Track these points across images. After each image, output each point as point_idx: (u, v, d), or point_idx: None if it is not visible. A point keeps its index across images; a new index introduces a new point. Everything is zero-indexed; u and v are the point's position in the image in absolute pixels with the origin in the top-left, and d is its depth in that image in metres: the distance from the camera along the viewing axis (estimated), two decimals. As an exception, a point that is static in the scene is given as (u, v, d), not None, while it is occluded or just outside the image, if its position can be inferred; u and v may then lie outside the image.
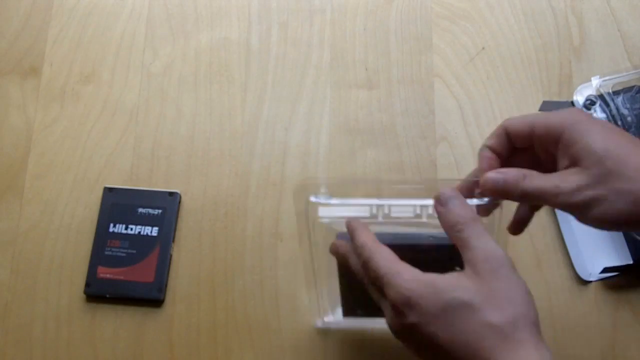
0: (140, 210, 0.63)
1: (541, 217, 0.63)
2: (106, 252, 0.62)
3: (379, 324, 0.50)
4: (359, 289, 0.47)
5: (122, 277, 0.61)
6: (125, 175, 0.66)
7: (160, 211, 0.63)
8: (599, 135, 0.42)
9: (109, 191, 0.64)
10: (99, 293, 0.61)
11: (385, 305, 0.44)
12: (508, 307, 0.41)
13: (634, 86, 0.63)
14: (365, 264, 0.44)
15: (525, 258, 0.62)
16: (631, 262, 0.58)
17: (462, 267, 0.43)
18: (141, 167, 0.66)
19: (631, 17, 0.70)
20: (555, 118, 0.45)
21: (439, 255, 0.47)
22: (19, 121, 0.68)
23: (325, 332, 0.60)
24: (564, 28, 0.70)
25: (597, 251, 0.61)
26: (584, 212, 0.42)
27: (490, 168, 0.46)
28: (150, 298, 0.61)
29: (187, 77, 0.69)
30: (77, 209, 0.64)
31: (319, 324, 0.59)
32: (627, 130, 0.61)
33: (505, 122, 0.47)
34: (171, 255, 0.62)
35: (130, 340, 0.60)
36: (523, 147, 0.47)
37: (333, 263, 0.50)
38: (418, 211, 0.46)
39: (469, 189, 0.47)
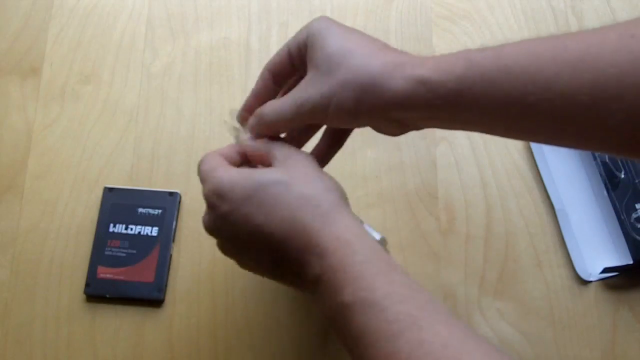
0: (140, 210, 0.63)
1: (541, 216, 0.63)
2: (106, 252, 0.62)
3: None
4: None
5: (122, 277, 0.61)
6: (125, 175, 0.66)
7: (160, 211, 0.63)
8: (335, 37, 0.43)
9: (109, 191, 0.64)
10: (99, 293, 0.61)
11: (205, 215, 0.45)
12: (317, 183, 0.43)
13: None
14: (198, 172, 0.46)
15: (525, 258, 0.62)
16: (631, 262, 0.58)
17: None
18: (141, 167, 0.66)
19: (631, 17, 0.70)
20: (300, 33, 0.46)
21: None
22: (19, 121, 0.68)
23: (323, 335, 0.60)
24: (564, 28, 0.70)
25: (597, 251, 0.61)
26: (326, 115, 0.43)
27: (259, 96, 0.49)
28: (150, 298, 0.61)
29: (187, 77, 0.69)
30: (77, 209, 0.64)
31: None
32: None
33: (267, 65, 0.48)
34: (171, 255, 0.62)
35: (130, 340, 0.60)
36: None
37: None
38: None
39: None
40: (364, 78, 0.41)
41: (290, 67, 0.47)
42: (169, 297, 0.62)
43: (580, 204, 0.63)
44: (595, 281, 0.61)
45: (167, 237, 0.62)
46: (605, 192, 0.61)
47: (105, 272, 0.61)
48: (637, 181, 0.60)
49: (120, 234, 0.62)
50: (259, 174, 0.43)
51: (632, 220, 0.59)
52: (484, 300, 0.61)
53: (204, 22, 0.71)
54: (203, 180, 0.45)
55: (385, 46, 0.44)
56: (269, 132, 0.47)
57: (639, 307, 0.60)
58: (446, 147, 0.66)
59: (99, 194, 0.64)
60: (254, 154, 0.48)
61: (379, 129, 0.46)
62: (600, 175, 0.61)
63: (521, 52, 0.39)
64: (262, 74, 0.49)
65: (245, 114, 0.50)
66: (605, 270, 0.59)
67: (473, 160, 0.65)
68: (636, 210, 0.59)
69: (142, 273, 0.61)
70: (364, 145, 0.66)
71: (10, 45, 0.70)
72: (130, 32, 0.71)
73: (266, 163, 0.46)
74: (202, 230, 0.63)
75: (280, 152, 0.45)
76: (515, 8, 0.71)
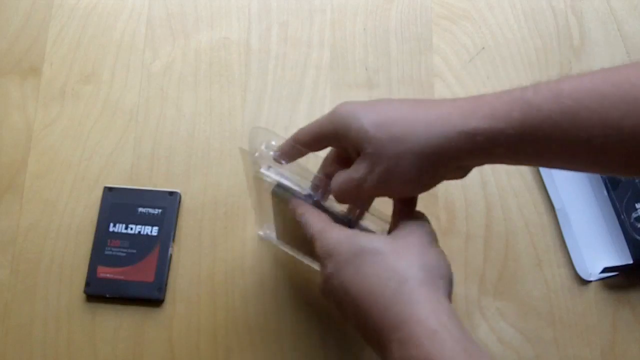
0: (140, 210, 0.63)
1: (541, 216, 0.63)
2: (106, 252, 0.62)
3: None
4: (289, 230, 0.54)
5: (122, 277, 0.61)
6: (125, 175, 0.66)
7: (160, 211, 0.63)
8: (365, 118, 0.42)
9: (109, 191, 0.64)
10: (99, 293, 0.61)
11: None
12: (415, 257, 0.40)
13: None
14: (302, 225, 0.46)
15: (525, 258, 0.62)
16: (631, 262, 0.58)
17: None
18: (141, 167, 0.66)
19: (631, 17, 0.70)
20: (324, 121, 0.46)
21: None
22: (19, 121, 0.68)
23: (324, 338, 0.60)
24: (564, 28, 0.70)
25: (597, 251, 0.61)
26: (389, 191, 0.44)
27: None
28: (150, 298, 0.61)
29: (187, 77, 0.69)
30: (77, 208, 0.64)
31: (261, 233, 0.62)
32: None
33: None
34: (171, 255, 0.62)
35: (130, 340, 0.60)
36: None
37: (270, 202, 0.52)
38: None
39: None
40: (417, 148, 0.41)
41: (319, 147, 0.48)
42: (169, 297, 0.61)
43: (580, 204, 0.63)
44: (595, 281, 0.61)
45: (167, 237, 0.62)
46: (605, 192, 0.61)
47: (105, 272, 0.61)
48: (637, 181, 0.60)
49: (120, 233, 0.62)
50: (364, 239, 0.42)
51: (632, 220, 0.59)
52: (484, 300, 0.61)
53: (204, 22, 0.71)
54: (313, 237, 0.45)
55: (419, 102, 0.44)
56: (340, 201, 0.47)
57: (639, 307, 0.60)
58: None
59: (99, 193, 0.64)
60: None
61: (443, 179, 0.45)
62: (600, 175, 0.61)
63: (582, 91, 0.37)
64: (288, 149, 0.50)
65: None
66: (605, 270, 0.59)
67: (473, 160, 0.65)
68: (636, 210, 0.59)
69: (142, 273, 0.61)
70: (364, 145, 0.66)
71: (10, 45, 0.70)
72: (130, 32, 0.71)
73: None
74: (202, 230, 0.64)
75: (400, 218, 0.45)
76: (515, 8, 0.71)
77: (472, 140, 0.40)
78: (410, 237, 0.43)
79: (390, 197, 0.46)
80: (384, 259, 0.41)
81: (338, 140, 0.45)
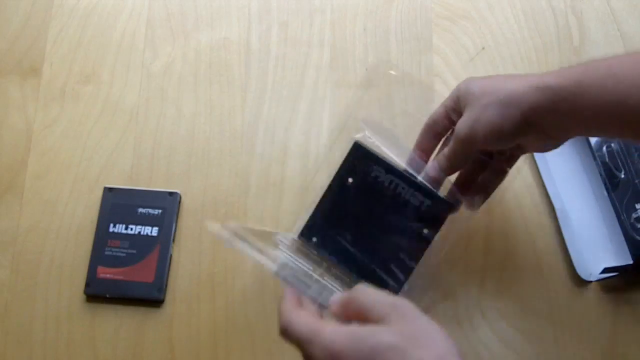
0: (140, 210, 0.63)
1: (541, 217, 0.63)
2: (106, 252, 0.62)
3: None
4: (333, 218, 0.57)
5: (122, 277, 0.61)
6: (125, 175, 0.66)
7: (160, 211, 0.63)
8: (476, 82, 0.52)
9: (109, 191, 0.64)
10: (99, 293, 0.61)
11: None
12: (432, 345, 0.40)
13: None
14: (285, 332, 0.44)
15: (525, 258, 0.62)
16: (631, 262, 0.58)
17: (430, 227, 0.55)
18: (141, 167, 0.66)
19: (631, 17, 0.70)
20: (452, 92, 0.54)
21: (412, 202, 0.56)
22: (19, 121, 0.68)
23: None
24: (564, 28, 0.70)
25: (597, 251, 0.61)
26: (475, 135, 0.50)
27: (421, 147, 0.57)
28: (150, 298, 0.61)
29: (187, 77, 0.69)
30: (77, 209, 0.64)
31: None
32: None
33: (427, 122, 0.57)
34: (171, 255, 0.62)
35: (130, 340, 0.60)
36: None
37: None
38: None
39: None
40: (502, 96, 0.49)
41: (448, 121, 0.55)
42: (169, 297, 0.62)
43: (580, 204, 0.63)
44: (595, 281, 0.61)
45: (167, 237, 0.62)
46: (605, 192, 0.61)
47: (105, 272, 0.61)
48: (637, 181, 0.60)
49: (120, 234, 0.62)
50: (370, 337, 0.40)
51: (632, 220, 0.59)
52: (484, 300, 0.61)
53: (204, 22, 0.71)
54: (307, 342, 0.43)
55: (519, 74, 0.51)
56: (447, 171, 0.55)
57: (639, 307, 0.60)
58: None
59: (99, 194, 0.64)
60: (351, 312, 0.44)
61: (526, 145, 0.53)
62: (600, 175, 0.61)
63: (627, 61, 0.46)
64: (423, 130, 0.57)
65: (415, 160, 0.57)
66: (605, 270, 0.59)
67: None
68: (636, 210, 0.59)
69: (142, 273, 0.61)
70: (364, 145, 0.66)
71: (10, 45, 0.70)
72: (130, 32, 0.71)
73: (362, 317, 0.43)
74: (202, 231, 0.64)
75: (380, 304, 0.42)
76: (515, 8, 0.71)
77: (543, 94, 0.47)
78: (407, 321, 0.41)
79: (480, 145, 0.51)
80: (402, 353, 0.39)
81: (458, 104, 0.53)
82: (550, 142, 0.52)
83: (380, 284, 0.57)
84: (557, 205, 0.62)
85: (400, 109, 0.68)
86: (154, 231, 0.62)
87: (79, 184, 0.65)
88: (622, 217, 0.59)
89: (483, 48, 0.70)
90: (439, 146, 0.57)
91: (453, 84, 0.68)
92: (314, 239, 0.58)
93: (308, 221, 0.58)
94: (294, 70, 0.69)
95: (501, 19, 0.71)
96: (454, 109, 0.54)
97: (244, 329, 0.60)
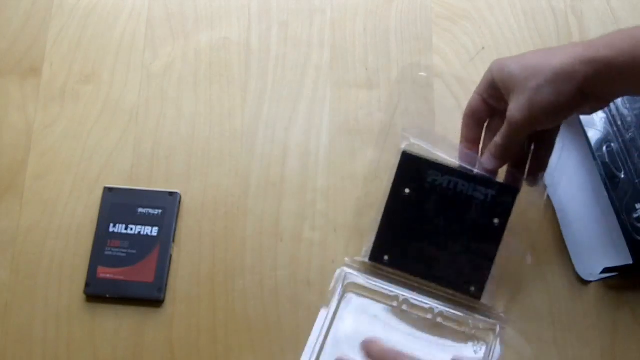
0: (140, 210, 0.63)
1: (541, 217, 0.63)
2: (106, 252, 0.62)
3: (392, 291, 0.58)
4: (399, 232, 0.57)
5: (122, 277, 0.61)
6: (125, 175, 0.66)
7: (160, 211, 0.63)
8: (511, 64, 0.52)
9: (109, 191, 0.64)
10: (99, 293, 0.61)
11: None
12: None
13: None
14: None
15: (525, 258, 0.62)
16: (631, 262, 0.58)
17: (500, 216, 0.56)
18: (141, 167, 0.66)
19: (631, 17, 0.70)
20: (485, 77, 0.55)
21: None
22: (19, 121, 0.68)
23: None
24: (564, 28, 0.70)
25: (597, 251, 0.61)
26: (534, 120, 0.51)
27: (469, 140, 0.58)
28: (150, 298, 0.61)
29: (187, 77, 0.69)
30: (77, 209, 0.64)
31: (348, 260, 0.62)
32: (627, 130, 0.61)
33: (465, 113, 0.57)
34: (171, 255, 0.62)
35: (130, 340, 0.60)
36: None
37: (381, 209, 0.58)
38: None
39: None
40: (551, 74, 0.49)
41: (486, 107, 0.56)
42: (169, 297, 0.62)
43: (580, 204, 0.63)
44: (595, 281, 0.61)
45: (167, 237, 0.62)
46: (605, 192, 0.61)
47: (105, 272, 0.61)
48: (637, 181, 0.60)
49: (120, 234, 0.62)
50: None
51: (632, 220, 0.59)
52: (484, 300, 0.61)
53: (204, 22, 0.71)
54: None
55: (551, 48, 0.53)
56: (509, 152, 0.55)
57: (639, 308, 0.60)
58: (446, 147, 0.66)
59: (99, 194, 0.64)
60: None
61: (580, 112, 0.55)
62: (600, 175, 0.61)
63: None
64: (464, 122, 0.58)
65: (464, 153, 0.58)
66: (605, 270, 0.59)
67: (473, 160, 0.65)
68: (636, 210, 0.59)
69: (142, 273, 0.61)
70: (364, 145, 0.66)
71: (10, 45, 0.70)
72: (130, 32, 0.71)
73: None
74: (202, 231, 0.64)
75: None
76: (515, 8, 0.71)
77: (595, 66, 0.48)
78: None
79: (535, 127, 0.52)
80: None
81: (494, 89, 0.54)
82: (601, 105, 0.54)
83: (461, 290, 0.58)
84: (557, 206, 0.62)
85: (400, 108, 0.68)
86: (154, 231, 0.62)
87: (79, 184, 0.65)
88: (622, 217, 0.59)
89: (483, 48, 0.70)
90: (483, 134, 0.58)
91: (453, 84, 0.68)
92: (386, 258, 0.58)
93: (375, 242, 0.58)
94: (294, 70, 0.69)
95: (501, 19, 0.71)
96: (492, 95, 0.55)
97: (244, 329, 0.60)
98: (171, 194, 0.64)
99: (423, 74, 0.67)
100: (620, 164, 0.61)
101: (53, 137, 0.67)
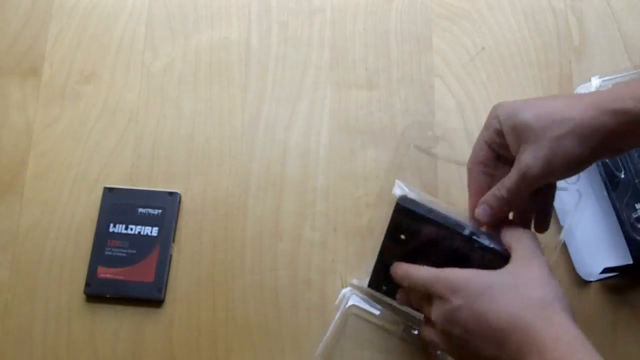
0: (140, 210, 0.63)
1: (541, 217, 0.63)
2: (106, 252, 0.62)
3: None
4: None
5: (122, 277, 0.61)
6: (125, 175, 0.66)
7: (160, 211, 0.63)
8: (525, 110, 0.48)
9: (109, 191, 0.64)
10: (99, 293, 0.61)
11: (428, 310, 0.49)
12: (546, 288, 0.45)
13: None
14: (412, 284, 0.51)
15: (525, 258, 0.62)
16: (631, 262, 0.58)
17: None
18: (141, 167, 0.66)
19: (631, 17, 0.70)
20: (490, 123, 0.51)
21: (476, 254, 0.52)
22: (19, 121, 0.68)
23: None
24: (564, 28, 0.70)
25: (597, 251, 0.61)
26: (552, 173, 0.47)
27: (478, 192, 0.53)
28: (150, 298, 0.61)
29: (187, 77, 0.69)
30: (77, 209, 0.64)
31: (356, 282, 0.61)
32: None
33: (471, 161, 0.53)
34: (171, 255, 0.62)
35: (130, 340, 0.60)
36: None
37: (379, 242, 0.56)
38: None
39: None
40: (572, 126, 0.46)
41: (493, 154, 0.52)
42: (169, 297, 0.62)
43: (580, 204, 0.63)
44: (595, 281, 0.61)
45: (167, 237, 0.62)
46: (605, 192, 0.61)
47: (105, 272, 0.61)
48: (637, 181, 0.60)
49: (120, 234, 0.62)
50: (492, 276, 0.47)
51: (632, 220, 0.59)
52: (484, 300, 0.61)
53: (204, 22, 0.71)
54: (431, 282, 0.49)
55: (570, 95, 0.51)
56: (506, 209, 0.51)
57: (639, 307, 0.60)
58: (446, 147, 0.66)
59: (99, 194, 0.64)
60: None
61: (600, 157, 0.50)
62: (600, 175, 0.61)
63: None
64: (471, 172, 0.53)
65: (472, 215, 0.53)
66: (605, 270, 0.59)
67: (473, 160, 0.65)
68: (636, 210, 0.59)
69: (142, 273, 0.61)
70: (364, 145, 0.66)
71: (10, 45, 0.70)
72: (130, 32, 0.71)
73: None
74: (202, 231, 0.64)
75: (517, 253, 0.48)
76: (515, 8, 0.71)
77: (623, 119, 0.45)
78: (533, 269, 0.47)
79: (552, 180, 0.50)
80: (517, 290, 0.45)
81: (502, 136, 0.50)
82: (619, 154, 0.53)
83: None
84: (557, 206, 0.62)
85: (400, 108, 0.68)
86: (154, 231, 0.62)
87: (79, 184, 0.65)
88: (622, 217, 0.59)
89: (483, 48, 0.70)
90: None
91: (453, 83, 0.68)
92: (384, 288, 0.58)
93: (372, 274, 0.58)
94: (294, 70, 0.69)
95: (501, 19, 0.71)
96: (499, 143, 0.51)
97: (244, 328, 0.60)
98: (171, 194, 0.64)
99: (431, 133, 0.66)
100: (620, 164, 0.61)
101: (53, 137, 0.67)
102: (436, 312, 0.48)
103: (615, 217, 0.60)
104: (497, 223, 0.51)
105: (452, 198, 0.64)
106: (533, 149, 0.47)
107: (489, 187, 0.52)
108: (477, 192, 0.53)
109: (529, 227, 0.53)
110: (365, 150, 0.66)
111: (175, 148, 0.67)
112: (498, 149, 0.51)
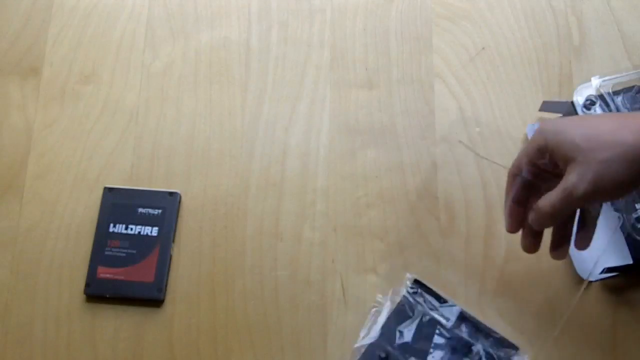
0: (140, 210, 0.63)
1: (541, 217, 0.63)
2: (106, 252, 0.62)
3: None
4: None
5: (122, 277, 0.61)
6: (125, 175, 0.66)
7: (160, 211, 0.63)
8: (571, 129, 0.48)
9: (109, 191, 0.64)
10: (99, 293, 0.61)
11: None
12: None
13: (634, 86, 0.63)
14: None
15: (525, 258, 0.62)
16: (631, 262, 0.58)
17: None
18: (141, 167, 0.66)
19: (631, 17, 0.70)
20: (535, 140, 0.50)
21: None
22: (19, 121, 0.68)
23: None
24: (564, 28, 0.70)
25: (597, 251, 0.61)
26: (598, 193, 0.46)
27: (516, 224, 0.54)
28: (150, 298, 0.61)
29: (187, 77, 0.69)
30: (77, 209, 0.64)
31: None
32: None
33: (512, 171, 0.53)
34: (171, 255, 0.62)
35: (130, 340, 0.60)
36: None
37: None
38: None
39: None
40: (623, 149, 0.45)
41: (535, 170, 0.52)
42: (169, 297, 0.62)
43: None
44: (595, 281, 0.61)
45: (167, 237, 0.62)
46: (605, 192, 0.61)
47: (105, 272, 0.61)
48: (637, 181, 0.60)
49: (120, 234, 0.62)
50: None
51: (632, 221, 0.59)
52: (484, 300, 0.61)
53: (204, 22, 0.71)
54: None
55: (620, 114, 0.50)
56: (547, 223, 0.51)
57: (639, 307, 0.60)
58: (446, 147, 0.66)
59: (99, 194, 0.64)
60: None
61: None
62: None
63: None
64: (514, 185, 0.53)
65: (510, 220, 0.55)
66: (606, 270, 0.59)
67: (473, 160, 0.66)
68: (636, 210, 0.59)
69: (142, 273, 0.61)
70: (364, 145, 0.66)
71: (10, 45, 0.70)
72: (130, 32, 0.71)
73: None
74: (202, 231, 0.64)
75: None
76: (515, 8, 0.71)
77: None
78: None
79: (597, 203, 0.50)
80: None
81: (546, 153, 0.49)
82: None
83: None
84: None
85: (400, 108, 0.68)
86: (154, 231, 0.62)
87: (79, 184, 0.65)
88: (622, 217, 0.59)
89: (483, 48, 0.70)
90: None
91: (453, 83, 0.68)
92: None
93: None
94: (294, 70, 0.69)
95: (501, 19, 0.71)
96: (542, 159, 0.51)
97: (244, 329, 0.60)
98: (171, 194, 0.64)
99: (461, 141, 0.66)
100: (620, 164, 0.60)
101: (53, 137, 0.67)
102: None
103: (615, 217, 0.60)
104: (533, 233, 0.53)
105: (452, 198, 0.64)
106: (580, 169, 0.46)
107: (526, 200, 0.53)
108: (516, 199, 0.54)
109: (568, 243, 0.54)
110: (365, 150, 0.66)
111: (175, 148, 0.67)
112: (539, 164, 0.51)
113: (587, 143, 0.46)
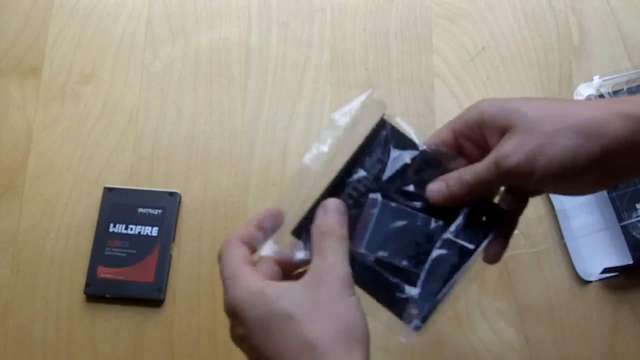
0: (140, 210, 0.63)
1: (541, 217, 0.63)
2: (106, 252, 0.62)
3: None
4: None
5: (122, 277, 0.61)
6: (125, 175, 0.66)
7: (160, 211, 0.63)
8: (521, 102, 0.41)
9: (109, 191, 0.64)
10: (99, 293, 0.61)
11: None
12: (328, 323, 0.38)
13: (634, 86, 0.63)
14: (219, 259, 0.43)
15: (525, 258, 0.62)
16: (631, 262, 0.58)
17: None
18: (141, 167, 0.66)
19: (631, 17, 0.70)
20: (468, 113, 0.43)
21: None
22: (19, 121, 0.68)
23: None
24: (564, 28, 0.70)
25: (597, 251, 0.61)
26: (532, 172, 0.39)
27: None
28: (150, 298, 0.61)
29: (187, 77, 0.69)
30: (77, 209, 0.64)
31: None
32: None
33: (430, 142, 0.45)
34: (171, 255, 0.62)
35: (130, 340, 0.60)
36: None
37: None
38: None
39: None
40: (575, 122, 0.38)
41: (455, 143, 0.44)
42: (169, 297, 0.62)
43: (580, 204, 0.63)
44: (595, 281, 0.61)
45: (167, 237, 0.62)
46: (605, 192, 0.61)
47: (105, 272, 0.61)
48: (637, 181, 0.60)
49: (120, 234, 0.62)
50: (274, 301, 0.39)
51: (632, 220, 0.59)
52: (484, 300, 0.61)
53: (204, 22, 0.71)
54: (223, 285, 0.42)
55: (574, 100, 0.43)
56: (470, 195, 0.42)
57: (639, 307, 0.60)
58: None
59: (99, 194, 0.64)
60: (286, 263, 0.43)
61: (580, 188, 0.42)
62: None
63: None
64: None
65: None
66: (606, 270, 0.59)
67: (473, 160, 0.66)
68: (636, 210, 0.59)
69: (142, 273, 0.61)
70: (364, 145, 0.66)
71: (10, 45, 0.70)
72: (130, 32, 0.71)
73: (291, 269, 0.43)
74: (202, 231, 0.64)
75: (328, 254, 0.41)
76: (515, 8, 0.71)
77: (630, 124, 0.38)
78: (321, 289, 0.39)
79: (530, 184, 0.40)
80: (297, 326, 0.38)
81: (476, 128, 0.42)
82: (617, 182, 0.43)
83: (398, 311, 0.44)
84: (557, 206, 0.62)
85: (400, 108, 0.67)
86: (154, 231, 0.62)
87: (79, 184, 0.65)
88: (622, 217, 0.59)
89: (483, 48, 0.70)
90: None
91: (453, 83, 0.68)
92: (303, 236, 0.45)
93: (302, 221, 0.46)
94: (294, 70, 0.69)
95: (501, 19, 0.71)
96: (469, 137, 0.43)
97: (244, 329, 0.60)
98: (171, 194, 0.64)
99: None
100: (620, 164, 0.60)
101: (53, 137, 0.67)
102: (230, 330, 0.44)
103: (615, 217, 0.60)
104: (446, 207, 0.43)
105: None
106: (519, 138, 0.39)
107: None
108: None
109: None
110: (365, 150, 0.66)
111: (175, 148, 0.67)
112: (462, 142, 0.44)
113: (535, 111, 0.39)
